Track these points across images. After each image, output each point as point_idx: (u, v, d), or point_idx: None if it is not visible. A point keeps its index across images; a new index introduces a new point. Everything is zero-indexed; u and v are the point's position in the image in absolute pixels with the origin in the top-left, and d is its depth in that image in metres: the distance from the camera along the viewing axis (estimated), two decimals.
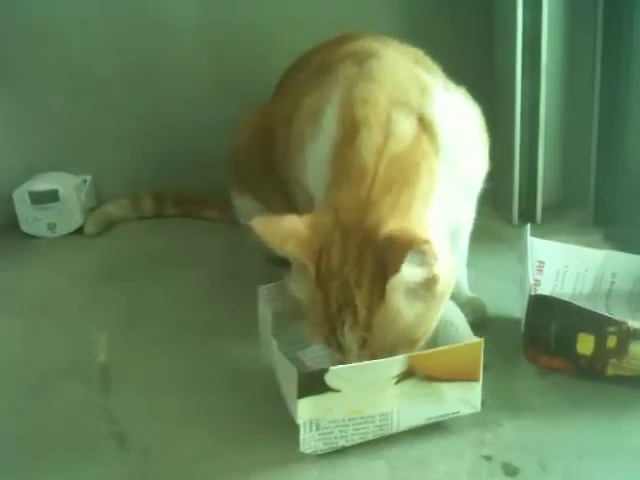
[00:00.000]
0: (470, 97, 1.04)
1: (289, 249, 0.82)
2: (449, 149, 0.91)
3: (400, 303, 0.81)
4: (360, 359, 0.83)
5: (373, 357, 0.83)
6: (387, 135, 0.88)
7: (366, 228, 0.82)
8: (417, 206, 0.85)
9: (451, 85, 1.02)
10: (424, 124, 0.90)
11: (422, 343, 0.86)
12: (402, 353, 0.83)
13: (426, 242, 0.78)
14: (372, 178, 0.85)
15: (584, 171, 1.46)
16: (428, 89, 0.94)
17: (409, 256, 0.77)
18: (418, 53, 1.05)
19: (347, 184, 0.86)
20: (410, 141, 0.89)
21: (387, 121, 0.89)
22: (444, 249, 0.86)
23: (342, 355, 0.84)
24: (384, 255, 0.80)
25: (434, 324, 0.86)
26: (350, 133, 0.89)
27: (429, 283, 0.82)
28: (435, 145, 0.90)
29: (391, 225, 0.81)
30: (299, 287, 0.86)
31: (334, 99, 0.94)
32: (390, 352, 0.83)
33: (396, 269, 0.78)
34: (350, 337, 0.82)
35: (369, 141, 0.87)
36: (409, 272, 0.80)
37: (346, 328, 0.82)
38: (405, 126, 0.89)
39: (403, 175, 0.86)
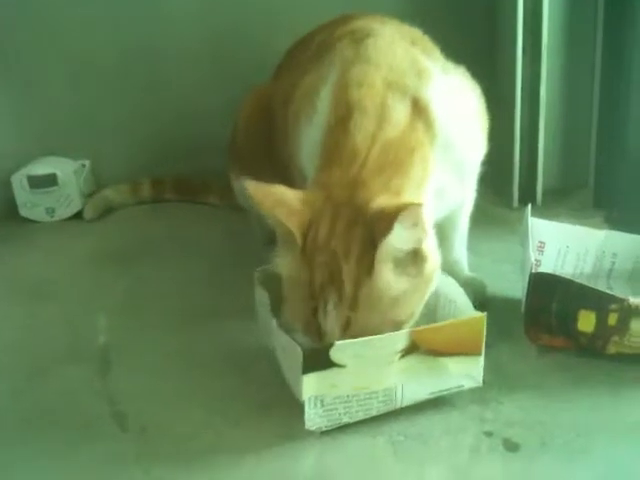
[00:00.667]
0: (469, 77, 1.03)
1: (278, 215, 0.80)
2: (445, 134, 0.90)
3: (388, 276, 0.80)
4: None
5: None
6: (381, 120, 0.87)
7: (356, 204, 0.81)
8: (409, 190, 0.84)
9: (450, 66, 1.01)
10: (419, 109, 0.90)
11: (406, 327, 0.84)
12: None
13: (419, 205, 0.77)
14: (363, 160, 0.84)
15: (584, 154, 1.46)
16: (425, 72, 0.93)
17: (400, 218, 0.76)
18: (416, 33, 1.05)
19: (338, 165, 0.85)
20: (404, 127, 0.88)
21: (382, 105, 0.88)
22: (433, 236, 0.85)
23: (321, 340, 0.82)
24: (374, 225, 0.79)
25: (419, 309, 0.85)
26: (343, 116, 0.89)
27: (418, 258, 0.82)
28: (430, 132, 0.89)
29: (382, 201, 0.81)
30: (284, 262, 0.85)
31: (329, 81, 0.93)
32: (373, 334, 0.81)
33: (387, 230, 0.76)
34: (333, 317, 0.80)
35: (362, 125, 0.87)
36: (399, 236, 0.78)
37: (329, 306, 0.80)
38: (400, 111, 0.89)
39: (396, 160, 0.85)
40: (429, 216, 0.84)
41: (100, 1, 1.53)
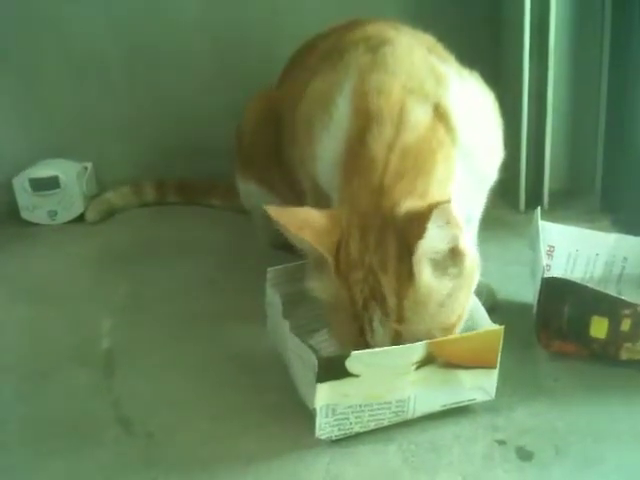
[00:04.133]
0: (483, 83, 1.02)
1: (306, 238, 0.78)
2: (466, 140, 0.89)
3: (429, 280, 0.78)
4: None
5: None
6: (399, 126, 0.85)
7: (383, 212, 0.79)
8: (434, 190, 0.82)
9: (465, 72, 1.00)
10: (440, 114, 0.88)
11: (457, 330, 0.82)
12: None
13: (448, 202, 0.75)
14: (383, 168, 0.82)
15: (591, 157, 1.45)
16: (443, 78, 0.92)
17: (432, 218, 0.73)
18: (431, 40, 1.03)
19: (357, 177, 0.83)
20: (425, 130, 0.86)
21: (400, 111, 0.87)
22: (467, 231, 0.83)
23: None
24: (406, 230, 0.77)
25: (467, 307, 0.83)
26: (362, 127, 0.86)
27: (456, 256, 0.80)
28: (452, 135, 0.88)
29: (409, 204, 0.79)
30: (319, 286, 0.82)
31: (346, 89, 0.91)
32: None
33: (422, 233, 0.74)
34: (381, 334, 0.78)
35: (379, 135, 0.85)
36: (434, 237, 0.76)
37: (375, 324, 0.78)
38: (419, 115, 0.87)
39: (417, 163, 0.83)
40: (460, 212, 0.81)
41: (103, 4, 1.52)
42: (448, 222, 0.77)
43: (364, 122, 0.86)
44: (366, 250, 0.79)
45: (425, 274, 0.78)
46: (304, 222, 0.79)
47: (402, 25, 1.07)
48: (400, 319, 0.78)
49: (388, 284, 0.78)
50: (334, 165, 0.88)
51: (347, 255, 0.79)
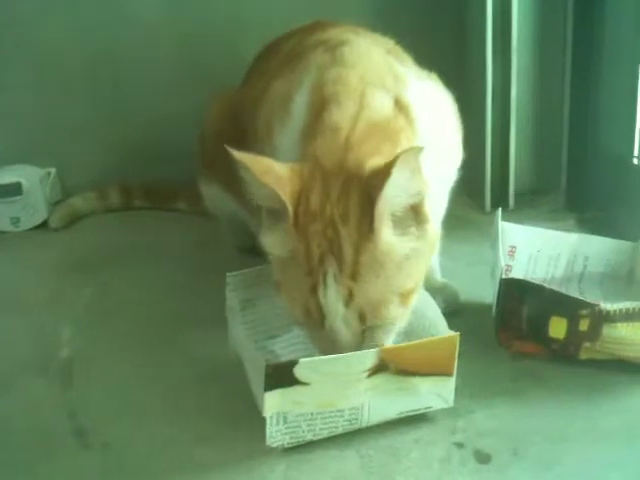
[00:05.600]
0: (442, 85, 1.02)
1: (268, 182, 0.75)
2: (425, 135, 0.87)
3: (389, 237, 0.75)
4: (346, 322, 0.76)
5: (362, 318, 0.76)
6: (362, 105, 0.84)
7: (348, 166, 0.77)
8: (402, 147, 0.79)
9: (423, 74, 1.00)
10: (400, 107, 0.86)
11: (413, 300, 0.80)
12: (393, 309, 0.77)
13: (419, 148, 0.73)
14: (349, 132, 0.80)
15: (556, 156, 1.46)
16: (401, 77, 0.91)
17: (398, 163, 0.71)
18: (389, 42, 1.03)
19: (322, 137, 0.81)
20: (387, 113, 0.84)
21: (361, 96, 0.85)
22: (434, 205, 0.81)
23: (323, 325, 0.76)
24: (370, 182, 0.74)
25: (426, 269, 0.82)
26: (320, 108, 0.85)
27: (419, 216, 0.77)
28: (412, 126, 0.86)
29: (375, 160, 0.76)
30: (274, 240, 0.79)
31: (304, 85, 0.90)
32: (379, 305, 0.76)
33: (385, 179, 0.72)
34: (334, 291, 0.75)
35: (341, 109, 0.83)
36: (397, 186, 0.73)
37: (329, 279, 0.75)
38: (381, 100, 0.86)
39: (384, 134, 0.81)
40: (428, 174, 0.79)
41: (63, 6, 1.50)
42: (413, 172, 0.74)
43: (321, 106, 0.85)
44: (327, 201, 0.76)
45: (386, 230, 0.75)
46: (268, 168, 0.77)
47: (362, 29, 1.07)
48: (354, 275, 0.75)
49: (347, 237, 0.75)
50: (292, 154, 0.85)
51: (307, 206, 0.77)
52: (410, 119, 0.86)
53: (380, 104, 0.85)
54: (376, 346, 0.79)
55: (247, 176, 0.77)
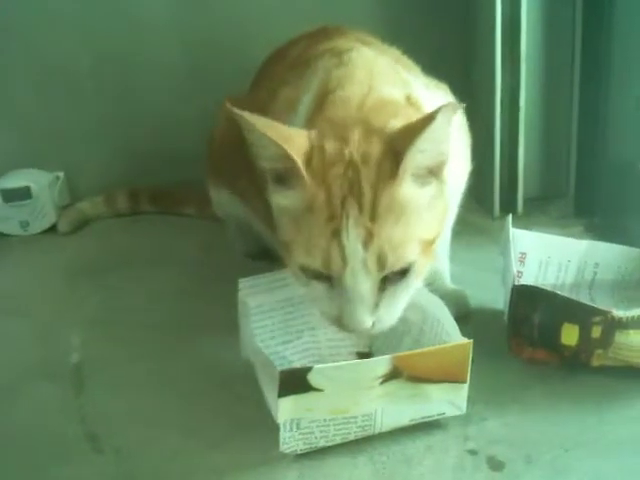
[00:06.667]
0: (451, 95, 1.02)
1: (273, 137, 0.74)
2: None
3: (410, 185, 0.76)
4: (365, 265, 0.74)
5: (381, 261, 0.74)
6: (370, 88, 0.84)
7: (368, 122, 0.77)
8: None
9: (432, 83, 1.00)
10: (411, 102, 0.86)
11: (431, 252, 0.79)
12: (413, 252, 0.76)
13: (458, 106, 0.74)
14: (358, 108, 0.80)
15: (564, 162, 1.46)
16: (410, 85, 0.92)
17: (439, 118, 0.71)
18: (397, 53, 1.03)
19: (331, 107, 0.81)
20: (398, 100, 0.84)
21: (369, 86, 0.85)
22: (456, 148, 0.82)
23: (344, 273, 0.75)
24: (398, 138, 0.75)
25: (443, 225, 0.82)
26: (326, 95, 0.85)
27: (438, 175, 0.79)
28: None
29: (398, 122, 0.77)
30: (284, 198, 0.79)
31: (311, 87, 0.91)
32: (398, 248, 0.75)
33: (422, 129, 0.72)
34: (354, 234, 0.73)
35: (349, 90, 0.83)
36: (432, 139, 0.74)
37: (351, 222, 0.74)
38: (391, 91, 0.85)
39: (393, 111, 0.81)
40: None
41: (71, 10, 1.50)
42: (447, 130, 0.75)
43: (328, 93, 0.85)
44: (346, 146, 0.76)
45: (407, 178, 0.76)
46: (271, 123, 0.76)
47: (369, 37, 1.07)
48: (374, 216, 0.74)
49: (367, 178, 0.74)
50: None
51: (322, 156, 0.76)
52: (419, 108, 0.85)
53: (390, 93, 0.85)
54: (395, 303, 0.79)
55: (250, 136, 0.76)
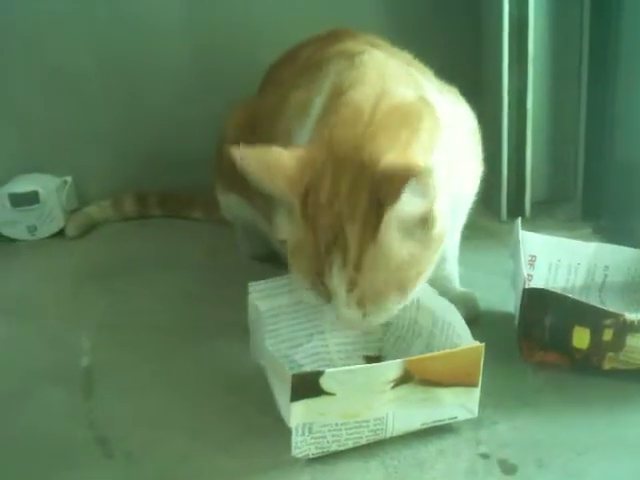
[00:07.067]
0: (462, 99, 1.02)
1: (273, 181, 0.77)
2: (447, 141, 0.86)
3: (394, 241, 0.77)
4: (348, 305, 0.80)
5: (360, 303, 0.80)
6: (383, 91, 0.84)
7: (362, 160, 0.77)
8: (420, 142, 0.80)
9: (444, 87, 1.00)
10: (424, 103, 0.86)
11: (415, 288, 0.82)
12: (391, 300, 0.81)
13: (429, 171, 0.74)
14: (369, 119, 0.80)
15: (572, 165, 1.45)
16: (422, 86, 0.91)
17: (409, 185, 0.72)
18: (408, 56, 1.03)
19: (341, 121, 0.81)
20: (410, 100, 0.85)
21: (382, 87, 0.85)
22: (443, 188, 0.81)
23: (328, 301, 0.81)
24: (382, 185, 0.75)
25: (429, 268, 0.83)
26: (337, 95, 0.86)
27: (425, 222, 0.79)
28: (435, 116, 0.85)
29: (391, 157, 0.76)
30: (287, 226, 0.82)
31: (323, 89, 0.91)
32: (378, 296, 0.80)
33: (396, 197, 0.73)
34: (338, 278, 0.78)
35: (361, 92, 0.84)
36: (407, 204, 0.75)
37: (334, 269, 0.78)
38: (404, 92, 0.86)
39: (404, 119, 0.81)
40: (442, 176, 0.80)
41: (79, 15, 1.50)
42: (425, 192, 0.76)
43: (340, 93, 0.85)
44: (336, 197, 0.77)
45: (390, 234, 0.77)
46: (272, 165, 0.77)
47: (379, 40, 1.07)
48: (357, 268, 0.77)
49: (352, 234, 0.77)
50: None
51: (316, 199, 0.78)
52: (434, 113, 0.85)
53: (402, 94, 0.85)
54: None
55: (252, 175, 0.77)
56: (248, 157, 0.77)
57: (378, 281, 0.79)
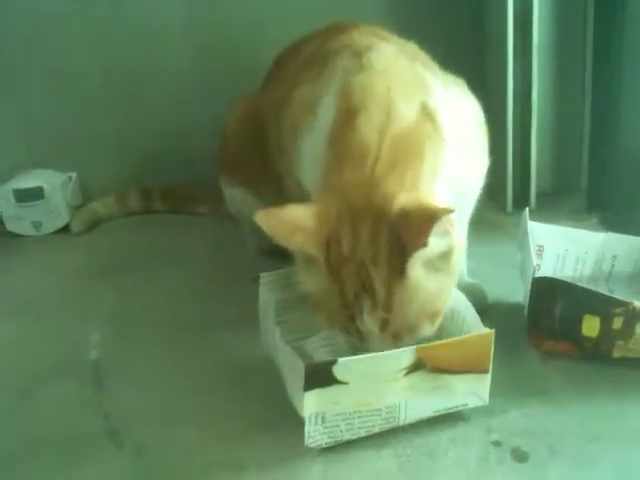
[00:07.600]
0: (468, 91, 1.02)
1: (296, 242, 0.79)
2: (452, 142, 0.88)
3: (420, 278, 0.79)
4: (383, 342, 0.81)
5: (396, 337, 0.81)
6: (388, 116, 0.85)
7: (376, 205, 0.79)
8: (425, 180, 0.83)
9: (450, 80, 1.00)
10: (426, 113, 0.87)
11: (444, 310, 0.84)
12: (424, 328, 0.82)
13: (451, 211, 0.76)
14: (375, 156, 0.82)
15: (577, 157, 1.46)
16: (428, 85, 0.92)
17: (434, 229, 0.74)
18: (415, 48, 1.03)
19: (349, 164, 0.83)
20: (413, 121, 0.86)
21: (388, 106, 0.86)
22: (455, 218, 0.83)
23: (363, 342, 0.82)
24: (403, 230, 0.77)
25: (452, 293, 0.85)
26: (348, 118, 0.86)
27: (447, 255, 0.80)
28: (439, 133, 0.87)
29: (402, 199, 0.78)
30: (309, 279, 0.83)
31: (332, 89, 0.91)
32: (412, 329, 0.81)
33: (421, 243, 0.75)
34: (370, 321, 0.80)
35: (369, 122, 0.85)
36: (432, 244, 0.77)
37: (365, 313, 0.79)
38: (407, 108, 0.87)
39: (408, 153, 0.83)
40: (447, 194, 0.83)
41: (84, 15, 1.51)
42: (446, 231, 0.78)
43: (350, 113, 0.86)
44: (358, 245, 0.79)
45: (416, 273, 0.78)
46: (294, 227, 0.79)
47: (386, 32, 1.07)
48: (388, 309, 0.79)
49: (378, 278, 0.78)
50: (319, 162, 0.87)
51: (338, 250, 0.79)
52: (436, 125, 0.87)
53: (405, 113, 0.86)
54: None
55: (275, 239, 0.78)
56: (271, 221, 0.78)
57: (409, 316, 0.81)
